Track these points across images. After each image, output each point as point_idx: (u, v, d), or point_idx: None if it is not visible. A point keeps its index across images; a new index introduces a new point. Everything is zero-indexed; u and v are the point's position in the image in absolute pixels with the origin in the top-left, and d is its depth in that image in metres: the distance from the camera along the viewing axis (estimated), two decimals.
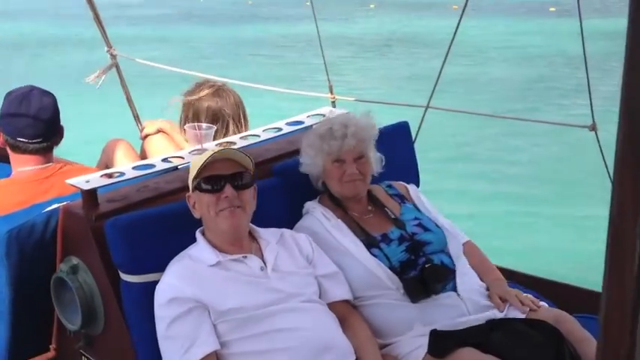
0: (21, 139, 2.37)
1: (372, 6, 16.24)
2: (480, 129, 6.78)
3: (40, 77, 6.36)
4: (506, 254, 3.37)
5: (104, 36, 3.46)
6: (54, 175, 2.41)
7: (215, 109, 2.73)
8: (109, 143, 2.97)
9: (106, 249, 1.94)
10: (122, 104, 3.74)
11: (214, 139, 2.53)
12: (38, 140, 2.38)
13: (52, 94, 2.47)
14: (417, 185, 2.69)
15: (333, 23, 12.79)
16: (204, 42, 12.67)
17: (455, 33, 2.68)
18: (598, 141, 2.41)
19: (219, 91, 2.77)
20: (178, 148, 2.89)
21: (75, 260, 2.04)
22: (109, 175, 2.09)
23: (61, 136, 2.50)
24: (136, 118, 3.61)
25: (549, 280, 2.57)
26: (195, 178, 1.90)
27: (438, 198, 2.57)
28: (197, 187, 1.90)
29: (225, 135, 2.70)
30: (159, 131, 2.96)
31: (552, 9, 14.16)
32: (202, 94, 2.74)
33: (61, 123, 2.50)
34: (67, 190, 2.12)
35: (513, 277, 2.49)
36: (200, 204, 1.92)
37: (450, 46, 2.69)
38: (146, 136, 3.01)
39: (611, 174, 0.72)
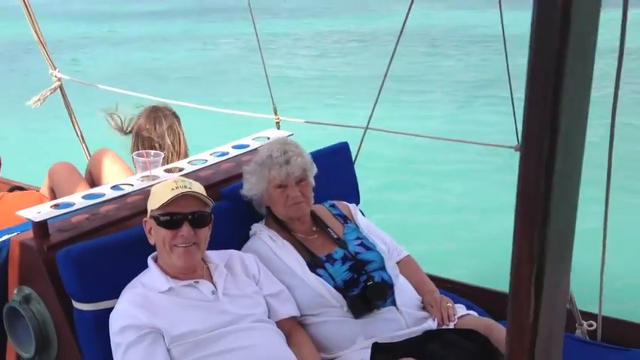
0: None
1: None
2: None
3: None
4: None
5: (47, 58, 3.47)
6: None
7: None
8: (54, 167, 2.98)
9: (59, 278, 1.99)
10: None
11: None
12: None
13: None
14: (358, 203, 2.84)
15: None
16: None
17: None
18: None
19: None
20: (126, 167, 2.92)
21: (27, 290, 2.08)
22: (59, 205, 2.14)
23: None
24: (82, 139, 3.63)
25: (481, 288, 2.75)
26: (155, 208, 1.97)
27: None
28: (155, 219, 1.98)
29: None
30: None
31: None
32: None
33: None
34: (12, 219, 2.15)
35: (448, 286, 2.66)
36: (156, 234, 2.00)
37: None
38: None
39: None
